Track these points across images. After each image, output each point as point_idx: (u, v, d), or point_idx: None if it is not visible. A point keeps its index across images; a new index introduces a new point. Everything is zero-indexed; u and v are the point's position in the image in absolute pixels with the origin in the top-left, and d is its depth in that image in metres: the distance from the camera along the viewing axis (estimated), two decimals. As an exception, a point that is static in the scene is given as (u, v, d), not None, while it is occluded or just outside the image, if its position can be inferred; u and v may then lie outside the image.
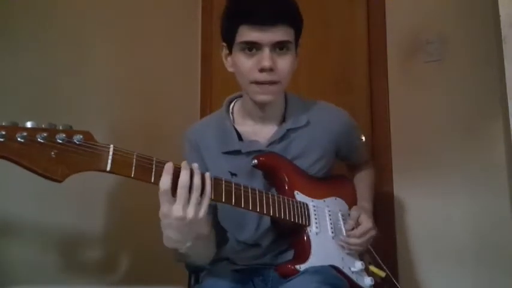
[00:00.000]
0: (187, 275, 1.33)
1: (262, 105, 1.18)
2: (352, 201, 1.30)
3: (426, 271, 1.74)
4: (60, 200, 1.44)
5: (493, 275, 1.60)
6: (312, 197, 1.17)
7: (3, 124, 0.73)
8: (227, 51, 1.17)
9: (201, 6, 2.35)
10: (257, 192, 1.03)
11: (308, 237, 1.11)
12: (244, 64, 1.11)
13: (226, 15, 1.14)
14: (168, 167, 0.88)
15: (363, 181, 1.42)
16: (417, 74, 1.85)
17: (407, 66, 1.87)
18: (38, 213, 1.43)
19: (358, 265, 1.16)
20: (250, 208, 1.01)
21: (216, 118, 1.29)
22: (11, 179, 1.28)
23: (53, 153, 0.75)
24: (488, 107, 1.65)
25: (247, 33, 1.08)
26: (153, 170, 0.87)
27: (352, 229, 1.18)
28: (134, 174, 0.84)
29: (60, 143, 0.77)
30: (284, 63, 1.11)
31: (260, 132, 1.22)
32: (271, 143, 1.20)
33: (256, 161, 1.13)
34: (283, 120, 1.23)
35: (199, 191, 0.89)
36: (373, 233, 1.19)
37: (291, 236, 1.14)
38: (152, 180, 0.87)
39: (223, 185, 0.97)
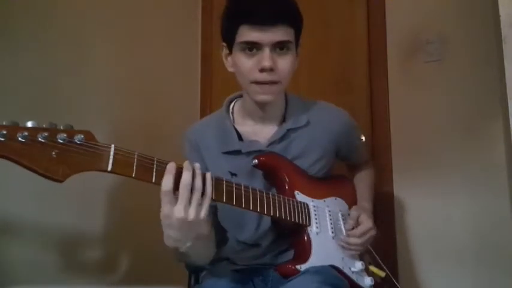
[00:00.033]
0: (187, 275, 1.33)
1: (262, 105, 1.18)
2: (352, 201, 1.30)
3: (426, 271, 1.74)
4: (60, 200, 1.44)
5: (493, 275, 1.60)
6: (312, 197, 1.17)
7: (4, 124, 0.72)
8: (227, 51, 1.17)
9: (201, 6, 2.35)
10: (258, 192, 1.03)
11: (308, 237, 1.11)
12: (244, 64, 1.11)
13: (226, 15, 1.14)
14: (171, 167, 0.87)
15: (363, 181, 1.42)
16: (417, 74, 1.85)
17: (407, 66, 1.87)
18: (38, 213, 1.43)
19: (358, 265, 1.16)
20: (251, 208, 1.00)
21: (216, 118, 1.29)
22: (11, 179, 1.28)
23: (53, 153, 0.75)
24: (488, 107, 1.66)
25: (247, 33, 1.08)
26: (154, 170, 0.87)
27: (352, 229, 1.18)
28: (135, 174, 0.84)
29: (61, 143, 0.76)
30: (284, 63, 1.11)
31: (260, 132, 1.22)
32: (271, 143, 1.20)
33: (256, 160, 1.13)
34: (284, 120, 1.23)
35: (200, 191, 0.89)
36: (373, 232, 1.19)
37: (291, 236, 1.14)
38: (153, 180, 0.86)
39: (224, 185, 0.96)
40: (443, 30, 1.80)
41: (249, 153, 1.18)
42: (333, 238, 1.16)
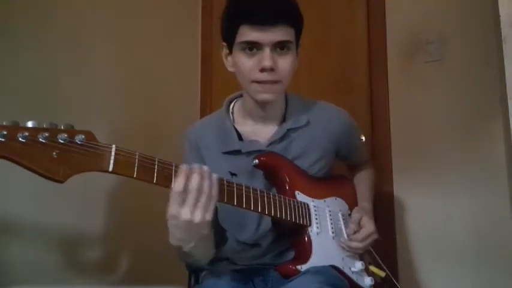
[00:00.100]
0: (187, 275, 1.33)
1: (263, 105, 1.18)
2: (352, 201, 1.30)
3: (426, 271, 1.74)
4: (60, 200, 1.44)
5: (493, 275, 1.60)
6: (312, 197, 1.17)
7: (4, 124, 0.72)
8: (227, 51, 1.17)
9: (201, 6, 2.35)
10: (258, 192, 1.03)
11: (309, 237, 1.11)
12: (244, 64, 1.11)
13: (226, 15, 1.14)
14: (184, 170, 0.88)
15: (363, 181, 1.42)
16: (417, 74, 1.85)
17: (407, 66, 1.87)
18: (38, 213, 1.43)
19: (358, 265, 1.16)
20: (252, 208, 1.00)
21: (216, 118, 1.29)
22: (11, 179, 1.28)
23: (54, 153, 0.74)
24: (488, 107, 1.66)
25: (247, 33, 1.08)
26: (156, 170, 0.87)
27: (354, 233, 1.17)
28: (137, 174, 0.84)
29: (62, 143, 0.76)
30: (285, 63, 1.11)
31: (260, 132, 1.22)
32: (271, 143, 1.20)
33: (257, 160, 1.13)
34: (284, 120, 1.23)
35: (207, 194, 0.90)
36: (375, 236, 1.19)
37: (292, 236, 1.14)
38: (154, 181, 0.86)
39: (225, 186, 0.96)
40: (443, 30, 1.80)
41: (249, 153, 1.18)
42: (333, 238, 1.16)
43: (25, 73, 1.45)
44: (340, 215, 1.22)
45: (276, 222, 1.14)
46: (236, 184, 0.99)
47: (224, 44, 1.17)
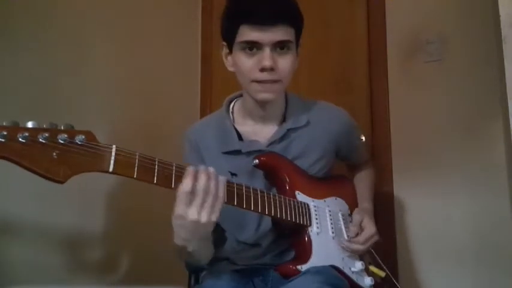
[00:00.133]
0: (187, 275, 1.33)
1: (263, 104, 1.18)
2: (352, 201, 1.30)
3: (426, 271, 1.74)
4: (60, 200, 1.44)
5: (493, 275, 1.60)
6: (312, 197, 1.17)
7: (4, 124, 0.71)
8: (227, 51, 1.17)
9: (201, 6, 2.35)
10: (258, 192, 1.03)
11: (309, 237, 1.11)
12: (244, 63, 1.11)
13: (226, 15, 1.14)
14: (191, 171, 0.89)
15: (363, 181, 1.42)
16: (417, 74, 1.85)
17: (407, 66, 1.87)
18: (38, 213, 1.43)
19: (358, 265, 1.16)
20: (252, 208, 1.00)
21: (216, 118, 1.29)
22: (11, 179, 1.28)
23: (54, 153, 0.74)
24: (488, 107, 1.66)
25: (247, 33, 1.08)
26: (156, 170, 0.87)
27: (356, 235, 1.17)
28: (137, 175, 0.84)
29: (62, 144, 0.76)
30: (285, 62, 1.11)
31: (260, 132, 1.22)
32: (271, 143, 1.20)
33: (257, 160, 1.13)
34: (284, 120, 1.23)
35: (214, 195, 0.91)
36: (376, 238, 1.19)
37: (292, 236, 1.14)
38: (155, 181, 0.86)
39: (226, 186, 0.96)
40: (443, 30, 1.80)
41: (249, 153, 1.18)
42: (333, 238, 1.16)
43: (25, 73, 1.45)
44: (340, 215, 1.22)
45: (276, 222, 1.14)
46: (236, 184, 0.99)
47: (224, 43, 1.18)
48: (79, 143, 0.78)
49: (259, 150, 1.17)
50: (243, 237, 1.20)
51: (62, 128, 0.77)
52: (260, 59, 1.08)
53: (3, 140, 0.70)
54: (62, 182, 0.76)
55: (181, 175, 0.90)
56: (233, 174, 1.18)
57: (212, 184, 0.90)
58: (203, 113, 2.21)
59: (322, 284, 0.97)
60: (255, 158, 1.13)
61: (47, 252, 1.46)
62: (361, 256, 1.21)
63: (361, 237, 1.17)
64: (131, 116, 1.80)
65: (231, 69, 1.18)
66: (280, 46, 1.09)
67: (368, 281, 1.16)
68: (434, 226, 1.73)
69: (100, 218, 1.64)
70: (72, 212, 1.53)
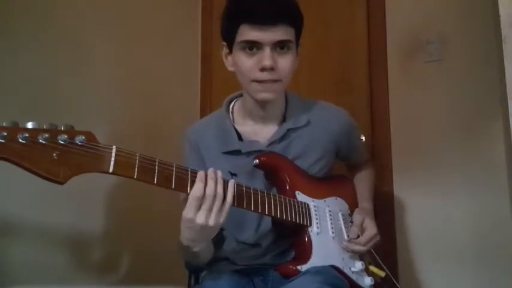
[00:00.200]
0: (187, 275, 1.33)
1: (263, 104, 1.18)
2: (352, 201, 1.30)
3: (426, 271, 1.74)
4: (60, 200, 1.44)
5: (493, 275, 1.60)
6: (312, 197, 1.17)
7: (4, 125, 0.71)
8: (227, 51, 1.17)
9: (201, 6, 2.35)
10: (258, 192, 1.03)
11: (309, 237, 1.11)
12: (244, 63, 1.11)
13: (226, 15, 1.14)
14: (202, 175, 0.92)
15: (363, 181, 1.42)
16: (417, 74, 1.85)
17: (407, 66, 1.87)
18: (38, 213, 1.43)
19: (358, 265, 1.16)
20: (252, 208, 1.01)
21: (216, 118, 1.29)
22: (11, 179, 1.28)
23: (54, 154, 0.74)
24: (488, 107, 1.66)
25: (247, 33, 1.08)
26: (156, 171, 0.87)
27: (358, 236, 1.17)
28: (137, 175, 0.84)
29: (62, 144, 0.76)
30: (285, 62, 1.11)
31: (260, 132, 1.22)
32: (271, 143, 1.20)
33: (257, 160, 1.13)
34: (284, 120, 1.23)
35: (221, 199, 0.93)
36: (377, 238, 1.19)
37: (292, 236, 1.14)
38: (155, 182, 0.86)
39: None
40: (443, 30, 1.80)
41: (249, 153, 1.18)
42: (333, 238, 1.16)
43: (25, 73, 1.45)
44: (340, 215, 1.21)
45: (276, 222, 1.14)
46: (237, 184, 0.99)
47: (224, 43, 1.17)
48: (79, 143, 0.78)
49: (259, 150, 1.17)
50: (243, 237, 1.20)
51: (62, 128, 0.77)
52: (260, 59, 1.08)
53: (3, 141, 0.70)
54: (62, 183, 0.76)
55: (182, 176, 0.90)
56: (233, 175, 1.18)
57: (219, 188, 0.93)
58: (203, 113, 2.21)
59: (322, 284, 0.97)
60: (255, 158, 1.13)
61: (47, 252, 1.46)
62: (361, 256, 1.21)
63: (363, 238, 1.17)
64: (131, 116, 1.80)
65: (231, 69, 1.18)
66: (280, 46, 1.09)
67: (368, 281, 1.16)
68: (434, 226, 1.74)
69: (100, 218, 1.64)
70: (72, 212, 1.53)
